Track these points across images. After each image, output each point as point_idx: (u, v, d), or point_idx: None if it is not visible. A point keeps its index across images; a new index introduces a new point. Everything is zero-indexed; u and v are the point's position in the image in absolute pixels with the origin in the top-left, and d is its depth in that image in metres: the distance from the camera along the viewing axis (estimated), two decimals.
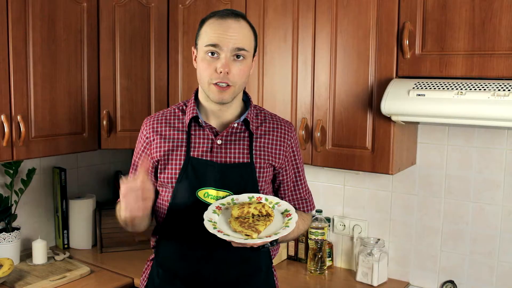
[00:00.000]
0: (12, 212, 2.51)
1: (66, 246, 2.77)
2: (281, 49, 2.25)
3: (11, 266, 2.24)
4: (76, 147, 2.46)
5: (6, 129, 2.12)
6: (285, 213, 1.56)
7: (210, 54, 1.53)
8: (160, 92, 2.61)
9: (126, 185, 1.44)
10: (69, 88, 2.40)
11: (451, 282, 2.27)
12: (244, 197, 1.57)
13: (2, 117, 2.12)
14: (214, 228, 1.45)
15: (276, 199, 1.59)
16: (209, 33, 1.54)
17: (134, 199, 1.44)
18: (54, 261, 2.53)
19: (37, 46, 2.23)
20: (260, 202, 1.55)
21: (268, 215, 1.52)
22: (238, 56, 1.54)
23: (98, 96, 2.55)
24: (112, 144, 2.59)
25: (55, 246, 2.80)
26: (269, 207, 1.54)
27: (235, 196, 1.57)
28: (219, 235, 1.42)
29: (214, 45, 1.52)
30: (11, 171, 2.47)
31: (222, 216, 1.53)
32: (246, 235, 1.43)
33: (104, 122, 2.54)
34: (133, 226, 1.62)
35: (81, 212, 2.76)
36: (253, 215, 1.51)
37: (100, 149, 2.60)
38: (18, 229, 2.50)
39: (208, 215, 1.50)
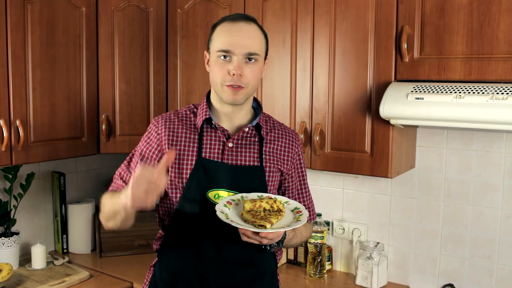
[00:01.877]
0: (11, 217, 2.50)
1: (65, 250, 2.76)
2: (279, 53, 2.26)
3: (10, 271, 2.24)
4: (75, 151, 2.46)
5: (5, 134, 2.12)
6: (295, 210, 1.58)
7: (222, 57, 1.56)
8: (159, 97, 2.61)
9: (141, 173, 1.35)
10: (68, 92, 2.40)
11: (451, 285, 2.27)
12: (253, 196, 1.59)
13: (1, 121, 2.12)
14: (227, 218, 1.46)
15: (285, 199, 1.61)
16: (221, 37, 1.57)
17: (144, 190, 1.35)
18: (53, 265, 2.53)
19: (36, 50, 2.24)
20: (272, 198, 1.56)
21: (279, 210, 1.54)
22: (250, 59, 1.56)
23: (97, 100, 2.55)
24: (111, 148, 2.59)
25: (54, 251, 2.80)
26: (281, 203, 1.56)
27: (244, 194, 1.59)
28: (233, 224, 1.43)
29: (227, 51, 1.55)
30: (10, 176, 2.47)
31: (233, 210, 1.54)
32: (260, 225, 1.43)
33: (103, 127, 2.54)
34: (124, 220, 1.55)
35: (80, 217, 2.76)
36: (264, 209, 1.52)
37: (99, 153, 2.60)
38: (17, 233, 2.49)
39: (219, 207, 1.51)
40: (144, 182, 1.35)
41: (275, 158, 1.69)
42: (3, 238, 2.42)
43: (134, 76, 2.58)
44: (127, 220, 1.57)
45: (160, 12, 2.57)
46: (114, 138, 2.58)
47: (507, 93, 1.71)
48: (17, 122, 2.17)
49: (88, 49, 2.48)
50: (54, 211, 2.79)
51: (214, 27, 1.62)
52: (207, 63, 1.64)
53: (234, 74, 1.54)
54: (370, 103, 2.06)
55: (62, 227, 2.75)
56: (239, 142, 1.65)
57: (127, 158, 1.75)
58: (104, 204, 1.64)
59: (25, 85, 2.21)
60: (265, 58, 1.65)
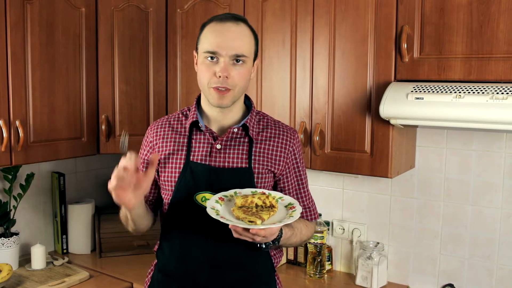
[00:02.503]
0: (11, 217, 2.50)
1: (65, 251, 2.76)
2: (279, 54, 2.26)
3: (10, 272, 2.24)
4: (75, 152, 2.46)
5: (5, 134, 2.12)
6: (288, 206, 1.55)
7: (209, 58, 1.54)
8: (159, 97, 2.61)
9: (120, 169, 1.39)
10: (68, 93, 2.40)
11: (451, 285, 2.27)
12: (247, 191, 1.56)
13: (1, 122, 2.12)
14: (217, 215, 1.44)
15: (279, 194, 1.58)
16: (208, 38, 1.55)
17: (120, 186, 1.41)
18: (53, 266, 2.53)
19: (35, 51, 2.24)
20: (264, 194, 1.54)
21: (272, 206, 1.51)
22: (237, 61, 1.54)
23: (96, 100, 2.55)
24: (111, 148, 2.58)
25: (54, 251, 2.80)
26: (273, 198, 1.53)
27: (238, 190, 1.56)
28: (222, 220, 1.41)
29: (213, 52, 1.52)
30: (10, 176, 2.47)
31: (225, 206, 1.52)
32: (250, 221, 1.40)
33: (103, 127, 2.54)
34: (133, 222, 1.63)
35: (80, 217, 2.76)
36: (256, 205, 1.50)
37: (99, 153, 2.60)
38: (17, 234, 2.49)
39: (211, 203, 1.49)
40: (121, 179, 1.40)
41: (266, 159, 1.64)
42: (2, 238, 2.42)
43: (133, 76, 2.58)
44: (137, 221, 1.64)
45: (160, 12, 2.57)
46: (113, 138, 2.58)
47: (507, 93, 1.71)
48: (17, 122, 2.17)
49: (87, 49, 2.48)
50: (53, 211, 2.79)
51: (202, 26, 1.59)
52: (196, 64, 1.62)
53: (220, 76, 1.51)
54: (370, 103, 2.06)
55: (62, 228, 2.75)
56: (228, 143, 1.62)
57: None
58: (120, 214, 1.71)
59: (25, 85, 2.21)
60: (255, 59, 1.62)
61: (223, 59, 1.52)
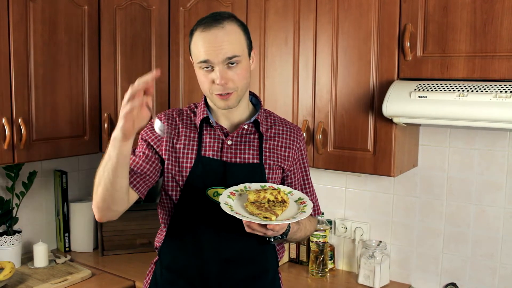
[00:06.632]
0: (13, 215, 2.50)
1: (67, 249, 2.76)
2: (282, 52, 2.25)
3: (13, 269, 2.24)
4: (77, 150, 2.46)
5: (7, 132, 2.12)
6: (299, 201, 1.57)
7: (204, 68, 1.54)
8: (161, 95, 2.61)
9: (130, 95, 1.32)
10: (70, 91, 2.40)
11: (453, 284, 2.26)
12: (256, 186, 1.58)
13: (3, 120, 2.12)
14: (232, 210, 1.45)
15: (288, 189, 1.60)
16: (197, 48, 1.54)
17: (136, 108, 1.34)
18: (55, 264, 2.53)
19: (38, 49, 2.24)
20: (275, 189, 1.56)
21: (283, 201, 1.53)
22: (232, 63, 1.53)
23: (99, 99, 2.55)
24: None
25: (56, 249, 2.80)
26: (285, 193, 1.56)
27: (248, 184, 1.58)
28: (238, 216, 1.42)
29: (205, 61, 1.52)
30: (12, 174, 2.47)
31: (237, 201, 1.54)
32: (265, 217, 1.43)
33: (105, 125, 2.54)
34: (111, 172, 1.53)
35: (82, 215, 2.76)
36: (268, 200, 1.52)
37: (101, 152, 2.60)
38: (19, 232, 2.49)
39: (224, 199, 1.51)
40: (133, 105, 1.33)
41: (276, 155, 1.68)
42: (5, 236, 2.42)
43: (136, 74, 2.56)
44: (116, 177, 1.54)
45: (162, 10, 2.57)
46: None
47: (511, 91, 1.71)
48: (19, 120, 2.17)
49: (90, 48, 2.48)
50: (56, 209, 2.79)
51: (191, 34, 1.58)
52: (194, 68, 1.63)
53: (219, 84, 1.52)
54: (373, 101, 2.06)
55: (64, 226, 2.75)
56: (238, 139, 1.65)
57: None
58: (96, 177, 1.60)
59: (27, 83, 2.21)
60: (250, 51, 1.60)
61: (217, 67, 1.52)
